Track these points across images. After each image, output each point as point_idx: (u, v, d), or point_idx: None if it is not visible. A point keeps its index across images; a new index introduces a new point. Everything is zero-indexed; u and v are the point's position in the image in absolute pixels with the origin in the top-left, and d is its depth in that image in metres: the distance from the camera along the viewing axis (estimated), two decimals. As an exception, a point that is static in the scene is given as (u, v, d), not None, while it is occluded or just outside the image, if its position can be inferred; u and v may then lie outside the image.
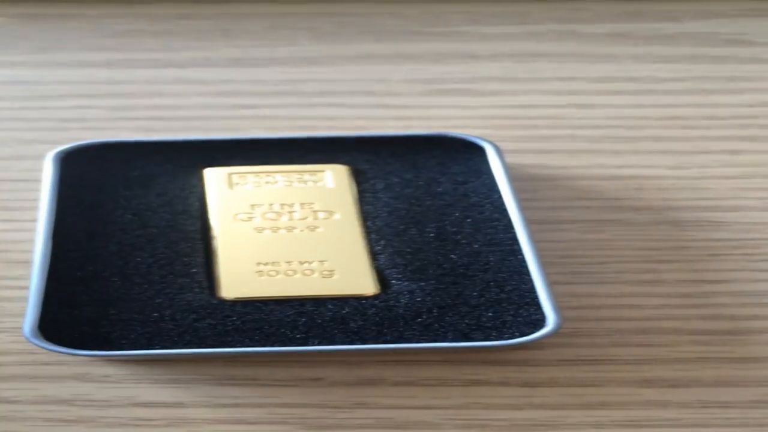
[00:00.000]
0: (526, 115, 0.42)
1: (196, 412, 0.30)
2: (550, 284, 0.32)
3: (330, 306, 0.32)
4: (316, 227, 0.34)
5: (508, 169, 0.37)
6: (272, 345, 0.30)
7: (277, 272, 0.33)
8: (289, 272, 0.33)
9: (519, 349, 0.31)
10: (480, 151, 0.38)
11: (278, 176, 0.37)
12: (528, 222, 0.35)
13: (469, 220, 0.35)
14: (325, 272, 0.33)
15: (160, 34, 0.48)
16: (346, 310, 0.32)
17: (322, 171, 0.37)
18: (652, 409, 0.30)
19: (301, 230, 0.34)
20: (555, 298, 0.32)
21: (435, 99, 0.44)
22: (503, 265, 0.33)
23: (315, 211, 0.35)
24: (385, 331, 0.31)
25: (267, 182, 0.36)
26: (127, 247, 0.34)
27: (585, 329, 0.32)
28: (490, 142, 0.38)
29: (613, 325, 0.32)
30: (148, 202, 0.36)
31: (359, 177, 0.37)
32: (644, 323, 0.32)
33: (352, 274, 0.33)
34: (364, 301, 0.32)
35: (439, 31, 0.48)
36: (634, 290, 0.34)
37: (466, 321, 0.31)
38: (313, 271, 0.33)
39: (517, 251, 0.34)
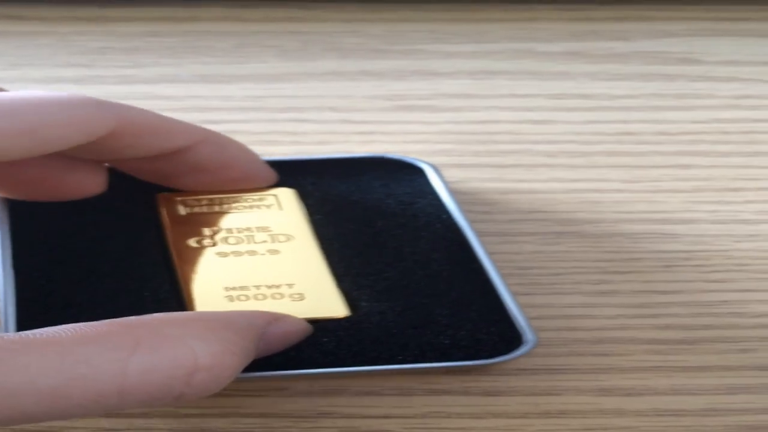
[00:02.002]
0: (485, 131, 0.42)
1: (162, 422, 0.29)
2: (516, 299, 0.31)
3: None
4: (277, 251, 0.33)
5: (450, 188, 0.36)
6: (253, 369, 0.29)
7: (248, 297, 0.31)
8: (260, 296, 0.31)
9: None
10: (420, 172, 0.37)
11: (228, 201, 0.35)
12: (483, 237, 0.34)
13: (423, 239, 0.34)
14: (294, 295, 0.31)
15: (130, 51, 0.48)
16: (320, 332, 0.30)
17: (271, 195, 0.35)
18: (609, 418, 0.29)
19: (263, 254, 0.33)
20: (525, 314, 0.31)
21: (397, 115, 0.43)
22: (467, 283, 0.32)
23: (273, 235, 0.33)
24: (360, 351, 0.30)
25: (220, 207, 0.35)
26: (91, 274, 0.32)
27: (543, 339, 0.32)
28: (428, 163, 0.38)
29: (570, 335, 0.32)
30: (106, 227, 0.34)
31: (307, 200, 0.36)
32: (600, 333, 0.32)
33: (321, 297, 0.31)
34: (336, 323, 0.31)
35: (401, 49, 0.48)
36: (590, 301, 0.33)
37: (442, 339, 0.30)
38: (282, 295, 0.31)
39: (477, 268, 0.33)
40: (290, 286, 0.31)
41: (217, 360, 0.26)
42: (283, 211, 0.34)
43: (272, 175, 0.36)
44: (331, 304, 0.31)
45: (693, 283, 0.34)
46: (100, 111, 0.32)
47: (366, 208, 0.36)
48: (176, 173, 0.35)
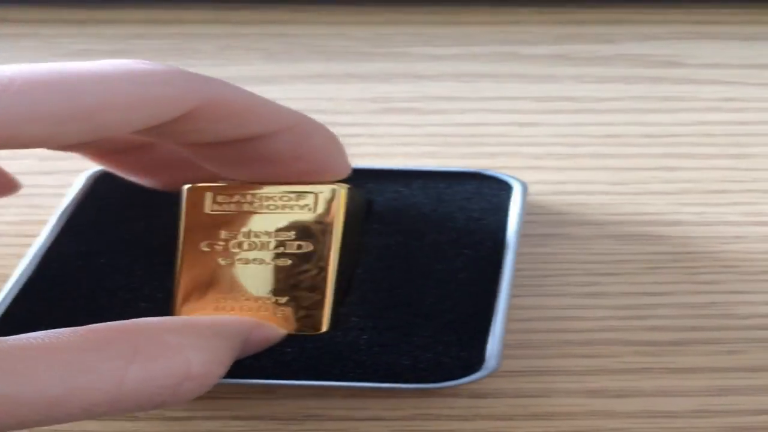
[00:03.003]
0: (472, 133, 0.42)
1: (150, 425, 0.29)
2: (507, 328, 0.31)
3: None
4: (286, 260, 0.30)
5: (525, 208, 0.35)
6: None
7: (233, 308, 0.30)
8: (245, 308, 0.30)
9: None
10: (509, 189, 0.36)
11: (262, 198, 0.31)
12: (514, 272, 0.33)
13: (462, 257, 0.33)
14: (281, 309, 0.30)
15: (114, 53, 0.47)
16: (289, 347, 0.30)
17: (312, 193, 0.31)
18: (599, 419, 0.29)
19: (269, 263, 0.30)
20: (503, 343, 0.30)
21: (383, 117, 0.43)
22: (471, 305, 0.31)
23: (290, 242, 0.30)
24: (314, 366, 0.29)
25: (250, 205, 0.31)
26: (108, 267, 0.33)
27: (532, 341, 0.31)
28: (519, 181, 0.36)
29: (558, 336, 0.32)
30: (146, 223, 0.34)
31: (371, 206, 0.34)
32: (588, 335, 0.32)
33: (307, 311, 0.30)
34: (305, 338, 0.30)
35: (386, 52, 0.47)
36: (578, 302, 0.33)
37: (403, 360, 0.29)
38: (268, 308, 0.30)
39: (491, 290, 0.31)
40: (281, 298, 0.30)
41: (206, 369, 0.26)
42: (316, 213, 0.31)
43: (344, 169, 0.31)
44: (313, 320, 0.30)
45: (680, 284, 0.34)
46: (180, 89, 0.27)
47: (428, 221, 0.34)
48: (243, 161, 0.30)
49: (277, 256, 0.30)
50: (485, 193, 0.36)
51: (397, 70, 0.46)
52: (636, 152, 0.41)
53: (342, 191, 0.31)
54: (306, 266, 0.30)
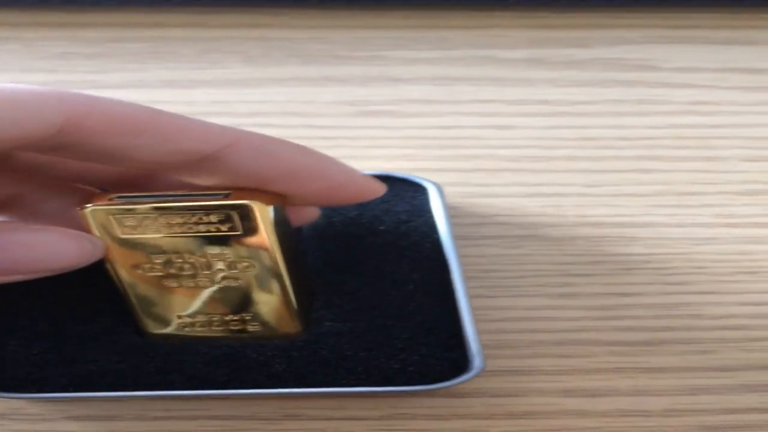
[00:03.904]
0: (448, 136, 0.42)
1: (130, 425, 0.28)
2: (476, 322, 0.31)
3: (254, 348, 0.30)
4: (233, 279, 0.29)
5: (448, 210, 0.36)
6: (195, 386, 0.28)
7: (203, 327, 0.29)
8: (215, 324, 0.29)
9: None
10: (424, 191, 0.37)
11: (175, 215, 0.28)
12: (462, 263, 0.33)
13: (407, 259, 0.33)
14: (250, 324, 0.29)
15: (94, 56, 0.47)
16: (271, 352, 0.30)
17: (239, 209, 0.28)
18: (573, 418, 0.29)
19: (218, 283, 0.29)
20: (480, 340, 0.30)
21: (360, 120, 0.43)
22: (435, 306, 0.31)
23: (231, 262, 0.29)
24: (307, 374, 0.29)
25: (163, 223, 0.28)
26: (56, 282, 0.32)
27: (507, 341, 0.31)
28: (433, 182, 0.37)
29: (533, 336, 0.32)
30: None
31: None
32: (563, 335, 0.32)
33: (277, 318, 0.29)
34: (290, 344, 0.30)
35: (363, 56, 0.47)
36: (553, 303, 0.33)
37: (392, 364, 0.30)
38: (237, 324, 0.29)
39: (449, 291, 0.32)
40: (246, 314, 0.29)
41: None
42: (242, 228, 0.28)
43: (352, 177, 0.29)
44: (287, 323, 0.30)
45: (653, 285, 0.34)
46: (47, 105, 0.26)
47: (359, 225, 0.35)
48: (234, 182, 0.28)
49: (224, 278, 0.29)
50: (403, 195, 0.36)
51: (375, 74, 0.46)
52: (610, 155, 0.41)
53: (253, 205, 0.28)
54: (259, 281, 0.29)
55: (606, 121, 0.43)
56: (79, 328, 0.30)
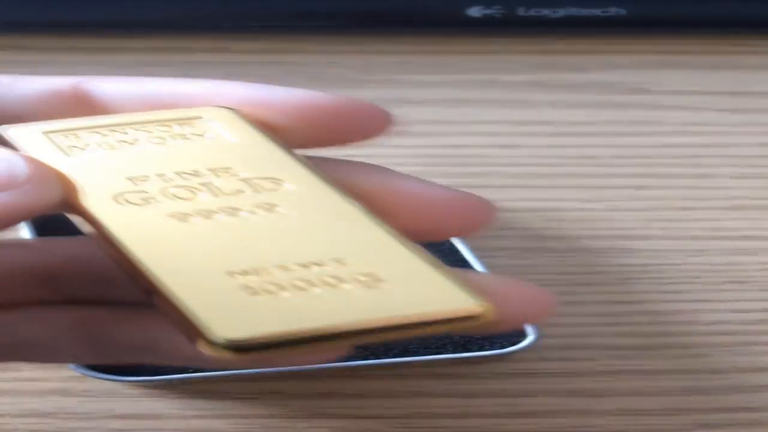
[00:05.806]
0: (456, 154, 0.43)
1: (170, 423, 0.29)
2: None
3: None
4: (272, 205, 0.20)
5: None
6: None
7: (278, 286, 0.18)
8: (299, 283, 0.18)
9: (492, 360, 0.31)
10: None
11: (131, 130, 0.21)
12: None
13: None
14: (362, 279, 0.18)
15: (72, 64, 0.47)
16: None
17: (200, 117, 0.21)
18: (578, 417, 0.30)
19: (252, 211, 0.19)
20: None
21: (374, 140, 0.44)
22: None
23: (246, 179, 0.20)
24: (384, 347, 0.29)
25: (122, 141, 0.21)
26: None
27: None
28: None
29: (540, 341, 0.33)
30: None
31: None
32: (568, 340, 0.33)
33: (414, 281, 0.18)
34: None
35: (377, 79, 0.48)
36: (557, 310, 0.34)
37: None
38: (340, 279, 0.18)
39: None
40: (341, 262, 0.18)
41: None
42: (237, 142, 0.21)
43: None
44: (449, 295, 0.18)
45: (650, 294, 0.35)
46: None
47: None
48: None
49: (253, 200, 0.20)
50: None
51: (387, 96, 0.47)
52: (607, 172, 0.42)
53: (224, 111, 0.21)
54: (321, 211, 0.20)
55: (603, 141, 0.44)
56: None
